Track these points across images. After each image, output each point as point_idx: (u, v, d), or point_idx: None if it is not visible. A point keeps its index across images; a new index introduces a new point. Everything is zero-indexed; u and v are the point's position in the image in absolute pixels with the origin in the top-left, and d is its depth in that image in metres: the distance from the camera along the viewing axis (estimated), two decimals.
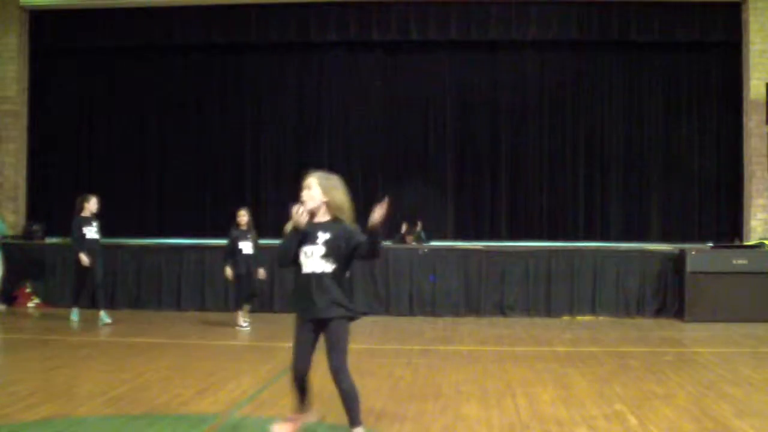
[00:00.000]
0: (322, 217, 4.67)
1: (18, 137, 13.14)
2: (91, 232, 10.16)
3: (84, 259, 9.83)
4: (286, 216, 4.60)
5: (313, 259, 4.58)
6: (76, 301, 10.37)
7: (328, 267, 4.56)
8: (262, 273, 9.78)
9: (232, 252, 9.61)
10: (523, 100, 13.30)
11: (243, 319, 9.78)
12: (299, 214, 4.54)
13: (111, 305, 11.30)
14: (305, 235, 4.57)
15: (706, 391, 6.37)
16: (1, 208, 12.96)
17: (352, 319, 4.66)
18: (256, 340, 9.14)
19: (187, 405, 5.73)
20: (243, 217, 9.76)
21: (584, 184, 13.08)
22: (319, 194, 4.64)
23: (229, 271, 9.59)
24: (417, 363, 7.57)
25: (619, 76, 13.13)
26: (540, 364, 7.52)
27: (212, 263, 11.39)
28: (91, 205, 10.22)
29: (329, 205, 4.64)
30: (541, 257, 11.24)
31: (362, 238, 4.53)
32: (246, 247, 9.64)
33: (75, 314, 10.28)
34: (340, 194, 4.66)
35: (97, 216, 10.27)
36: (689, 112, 13.02)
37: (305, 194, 4.63)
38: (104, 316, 10.07)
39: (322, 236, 4.58)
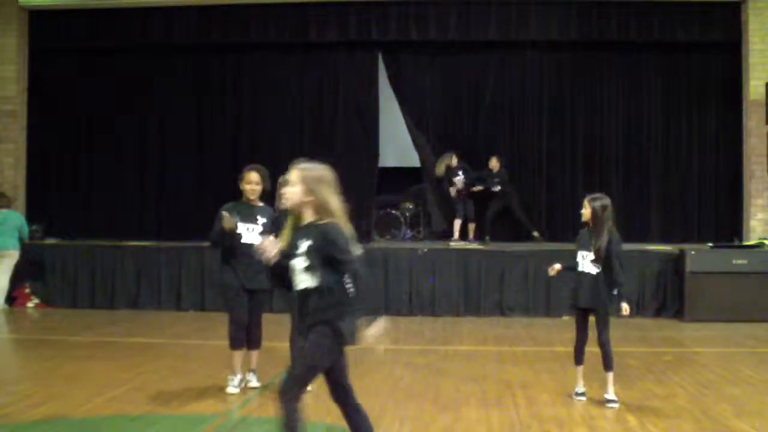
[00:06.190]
0: (307, 218, 3.86)
1: (18, 137, 13.11)
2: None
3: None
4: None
5: (298, 274, 3.82)
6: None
7: (312, 281, 3.79)
8: None
9: None
10: (522, 100, 13.29)
11: None
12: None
13: (111, 305, 11.33)
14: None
15: (706, 391, 6.37)
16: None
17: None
18: None
19: (187, 405, 5.72)
20: None
21: (584, 185, 13.03)
22: (301, 192, 3.82)
23: None
24: (417, 363, 7.57)
25: (619, 76, 13.12)
26: (540, 364, 7.53)
27: (212, 263, 11.34)
28: None
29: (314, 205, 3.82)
30: (541, 257, 11.22)
31: (338, 252, 3.72)
32: None
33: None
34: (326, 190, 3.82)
35: None
36: (689, 112, 13.01)
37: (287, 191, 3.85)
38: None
39: (303, 245, 3.79)
